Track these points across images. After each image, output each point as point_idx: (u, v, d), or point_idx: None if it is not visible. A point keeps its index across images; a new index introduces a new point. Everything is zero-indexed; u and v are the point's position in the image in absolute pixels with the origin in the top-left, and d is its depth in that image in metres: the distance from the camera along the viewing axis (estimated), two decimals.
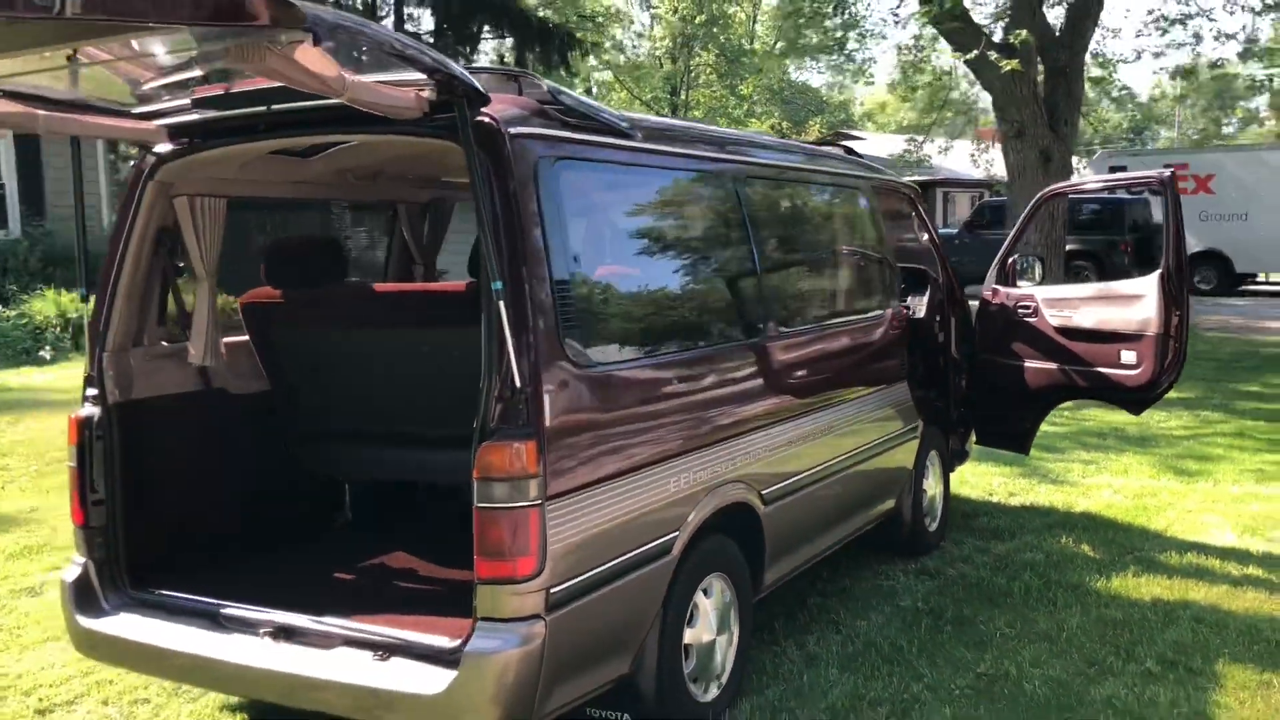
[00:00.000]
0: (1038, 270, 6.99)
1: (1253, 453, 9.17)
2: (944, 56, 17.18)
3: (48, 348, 13.54)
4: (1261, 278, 27.84)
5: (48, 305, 14.24)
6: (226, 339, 4.56)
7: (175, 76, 3.83)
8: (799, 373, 4.96)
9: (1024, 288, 6.76)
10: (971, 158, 26.91)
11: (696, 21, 35.59)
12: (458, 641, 3.35)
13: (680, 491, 3.99)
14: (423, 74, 3.23)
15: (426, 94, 3.38)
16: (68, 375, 11.45)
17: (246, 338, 4.62)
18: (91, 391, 4.09)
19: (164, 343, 4.40)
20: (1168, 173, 5.97)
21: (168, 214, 4.24)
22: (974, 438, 7.21)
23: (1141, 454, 9.09)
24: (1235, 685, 4.66)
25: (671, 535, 3.93)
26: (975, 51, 13.87)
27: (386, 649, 3.49)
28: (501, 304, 3.26)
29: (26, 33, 2.84)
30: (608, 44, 37.36)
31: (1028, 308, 6.65)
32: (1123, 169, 27.05)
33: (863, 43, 18.29)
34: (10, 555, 6.42)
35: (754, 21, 41.11)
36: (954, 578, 6.01)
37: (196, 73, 3.82)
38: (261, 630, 3.70)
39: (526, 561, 3.29)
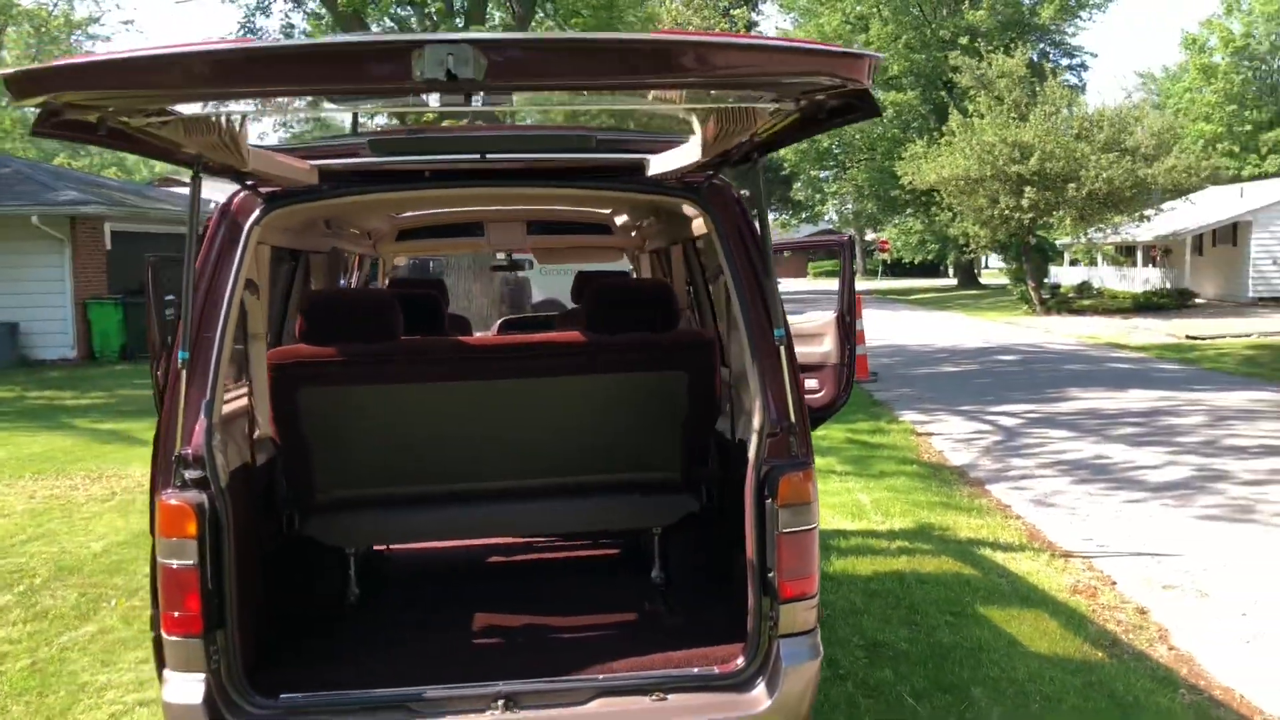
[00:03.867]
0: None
1: None
2: None
3: None
4: None
5: None
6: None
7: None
8: None
9: None
10: None
11: None
12: (737, 664, 3.58)
13: None
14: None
15: None
16: None
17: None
18: (193, 474, 3.40)
19: None
20: (848, 235, 7.57)
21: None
22: None
23: None
24: (998, 620, 6.23)
25: None
26: None
27: (657, 689, 3.55)
28: (782, 349, 3.60)
29: None
30: None
31: None
32: None
33: None
34: None
35: None
36: None
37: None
38: (494, 702, 3.49)
39: (814, 579, 3.64)
